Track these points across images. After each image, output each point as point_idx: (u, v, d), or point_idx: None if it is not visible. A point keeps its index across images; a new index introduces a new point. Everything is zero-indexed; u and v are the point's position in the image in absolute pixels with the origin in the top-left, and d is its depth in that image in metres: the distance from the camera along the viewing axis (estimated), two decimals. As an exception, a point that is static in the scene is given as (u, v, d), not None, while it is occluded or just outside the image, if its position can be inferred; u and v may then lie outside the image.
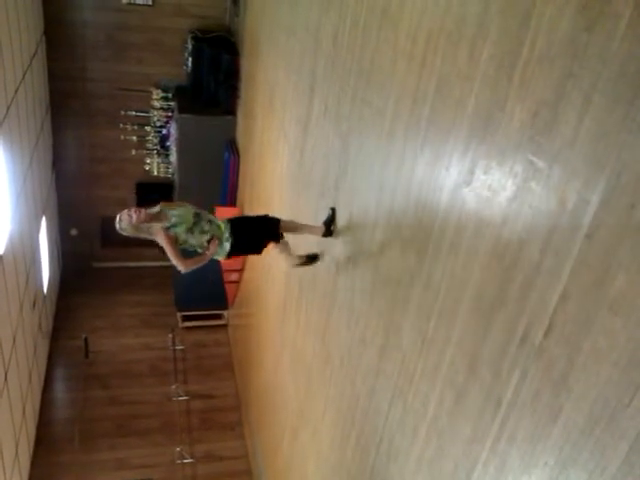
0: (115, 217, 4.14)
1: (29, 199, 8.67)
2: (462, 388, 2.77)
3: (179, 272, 4.33)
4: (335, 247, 4.71)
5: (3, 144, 6.97)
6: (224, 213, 9.68)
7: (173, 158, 10.61)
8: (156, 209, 4.18)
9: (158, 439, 9.36)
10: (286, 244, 4.88)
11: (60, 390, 10.09)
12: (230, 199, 10.13)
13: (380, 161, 3.75)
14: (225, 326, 11.45)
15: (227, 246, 4.37)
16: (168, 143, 10.82)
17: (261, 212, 5.06)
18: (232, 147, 9.92)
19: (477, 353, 2.64)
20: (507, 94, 2.42)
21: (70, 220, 11.82)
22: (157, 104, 10.69)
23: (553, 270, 2.13)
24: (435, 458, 3.07)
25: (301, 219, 5.76)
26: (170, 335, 10.80)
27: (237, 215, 4.65)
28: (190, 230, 4.18)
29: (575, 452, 2.04)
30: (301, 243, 5.27)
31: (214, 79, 9.69)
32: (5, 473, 7.01)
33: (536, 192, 2.22)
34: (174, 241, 4.13)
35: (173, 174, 10.90)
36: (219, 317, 11.41)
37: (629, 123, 1.80)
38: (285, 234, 4.80)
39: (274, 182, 7.12)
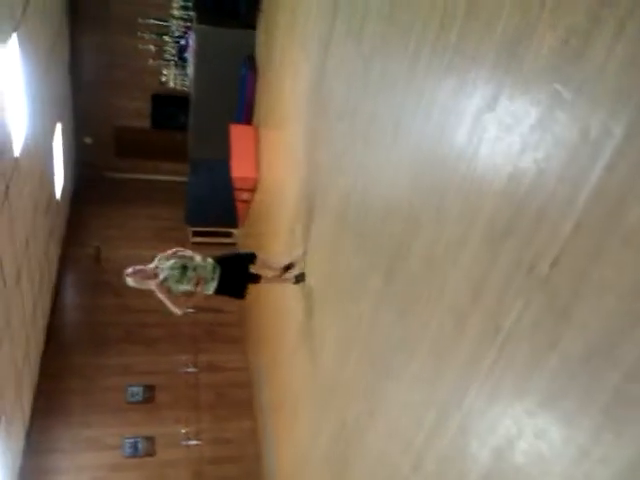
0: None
1: (45, 104, 8.60)
2: (464, 312, 2.82)
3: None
4: (346, 176, 4.70)
5: (20, 46, 6.86)
6: (240, 131, 9.60)
7: (190, 70, 10.42)
8: (152, 265, 5.28)
9: (164, 348, 9.65)
10: (268, 279, 6.08)
11: (71, 295, 10.33)
12: (246, 117, 10.00)
13: (402, 85, 3.67)
14: (234, 244, 11.57)
15: (213, 284, 5.44)
16: (186, 54, 10.60)
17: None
18: (250, 63, 9.71)
19: (483, 279, 2.67)
20: (538, 19, 2.34)
21: (85, 128, 11.76)
22: (176, 13, 10.42)
23: (568, 200, 2.12)
24: (432, 378, 3.16)
25: (316, 143, 5.71)
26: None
27: (223, 254, 5.90)
28: (179, 281, 5.24)
29: (569, 380, 2.10)
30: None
31: (236, -11, 9.40)
32: (17, 371, 7.30)
33: (559, 121, 2.18)
34: (168, 291, 5.22)
35: (189, 87, 10.73)
36: (229, 235, 11.52)
37: (663, 53, 1.75)
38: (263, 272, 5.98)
39: (292, 102, 7.01)
